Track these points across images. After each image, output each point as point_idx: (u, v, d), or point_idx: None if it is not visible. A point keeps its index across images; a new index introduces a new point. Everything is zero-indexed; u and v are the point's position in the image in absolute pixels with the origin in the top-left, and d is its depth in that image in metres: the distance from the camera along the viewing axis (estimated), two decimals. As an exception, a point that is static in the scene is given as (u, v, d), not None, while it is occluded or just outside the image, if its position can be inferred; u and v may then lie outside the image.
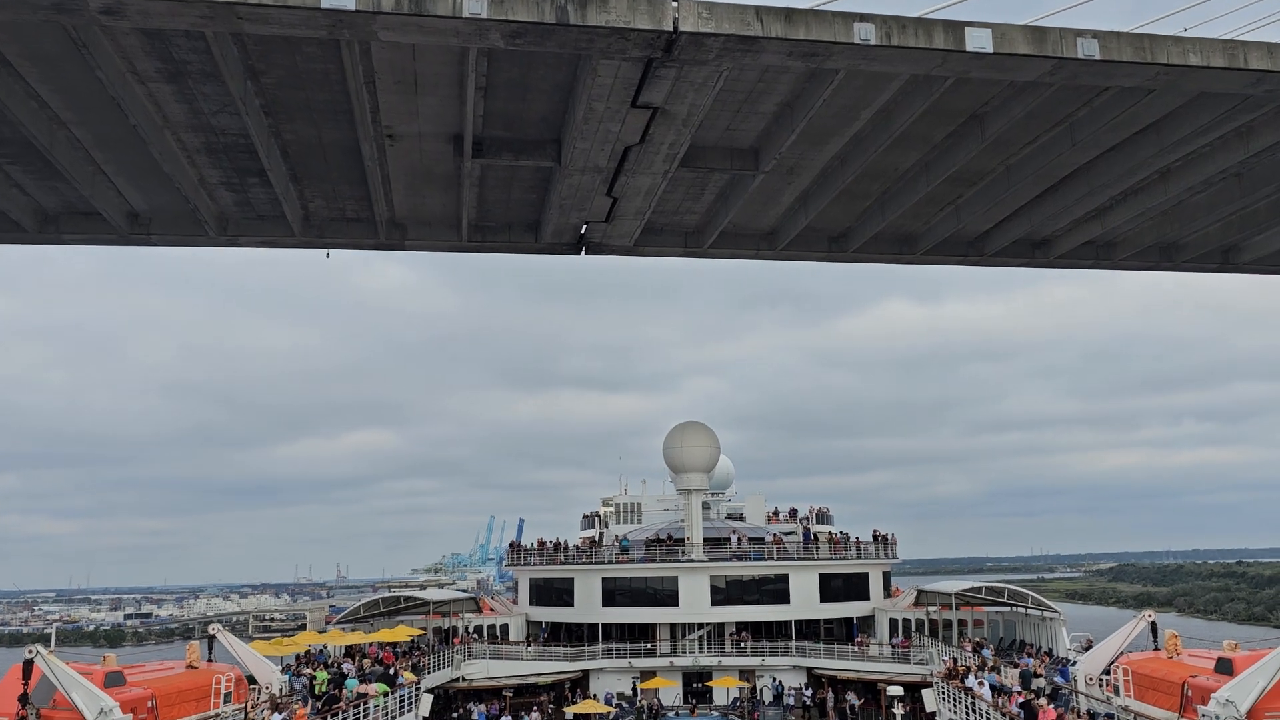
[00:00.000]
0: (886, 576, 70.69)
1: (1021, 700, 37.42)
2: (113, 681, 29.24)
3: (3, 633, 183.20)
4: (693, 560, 64.89)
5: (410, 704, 47.28)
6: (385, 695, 43.16)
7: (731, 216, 25.43)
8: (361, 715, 40.04)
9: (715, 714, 60.04)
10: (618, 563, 66.13)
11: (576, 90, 18.36)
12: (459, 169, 21.88)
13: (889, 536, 70.30)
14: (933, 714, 49.79)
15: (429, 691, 51.56)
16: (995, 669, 45.56)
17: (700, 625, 65.12)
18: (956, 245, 28.33)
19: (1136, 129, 21.50)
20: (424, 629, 62.27)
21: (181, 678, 34.02)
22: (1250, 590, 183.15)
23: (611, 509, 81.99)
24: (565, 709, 58.84)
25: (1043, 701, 36.19)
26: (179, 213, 24.22)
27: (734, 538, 67.19)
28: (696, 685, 62.92)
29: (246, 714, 34.94)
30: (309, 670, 44.51)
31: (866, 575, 67.85)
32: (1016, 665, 46.01)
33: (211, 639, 38.71)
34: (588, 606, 65.92)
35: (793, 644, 63.80)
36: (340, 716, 38.10)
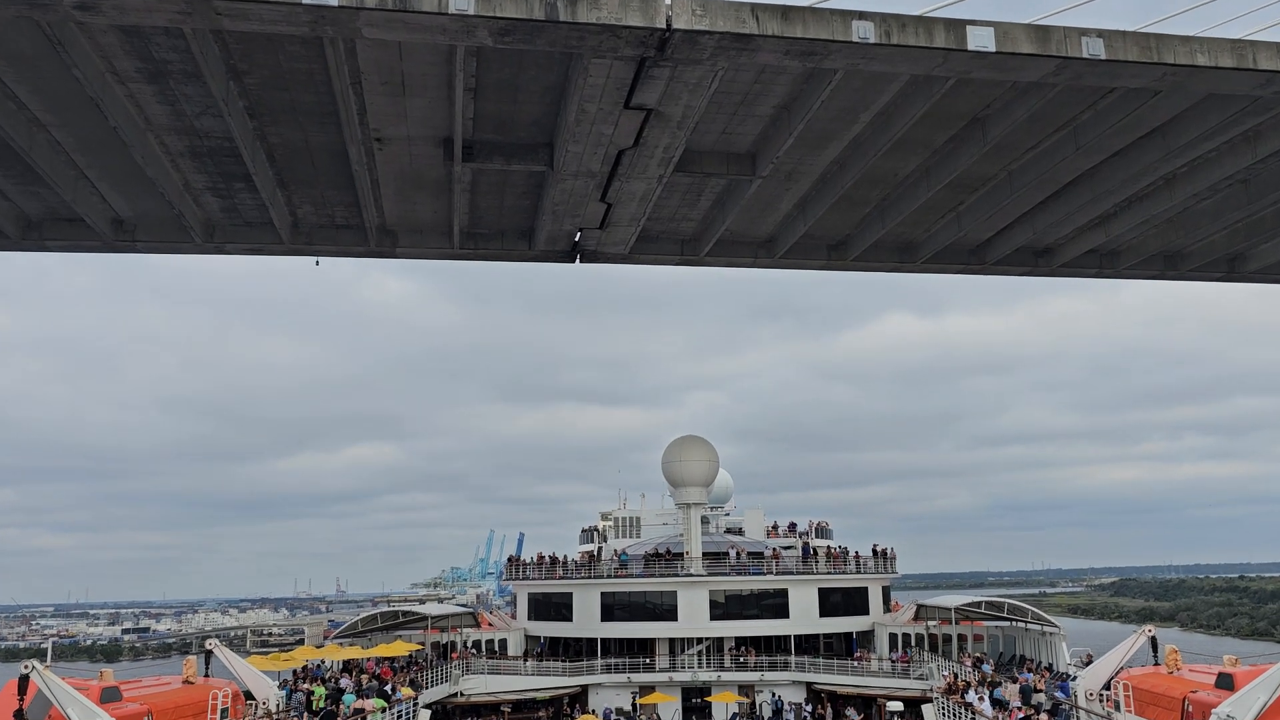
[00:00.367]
0: (886, 591, 70.43)
1: (1022, 716, 36.98)
2: (109, 697, 28.92)
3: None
4: (692, 575, 64.53)
5: (408, 720, 46.75)
6: (382, 711, 42.70)
7: (728, 223, 25.00)
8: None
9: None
10: (616, 577, 65.80)
11: (568, 91, 17.94)
12: (449, 174, 21.44)
13: (888, 551, 70.05)
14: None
15: (426, 707, 51.11)
16: (995, 684, 45.04)
17: (699, 640, 64.65)
18: (958, 253, 27.89)
19: (1142, 133, 21.07)
20: (422, 644, 61.91)
21: (178, 693, 33.67)
22: (1253, 605, 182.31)
23: (610, 523, 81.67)
24: (563, 725, 58.29)
25: (1043, 717, 35.72)
26: (164, 219, 23.79)
27: (733, 552, 66.80)
28: (696, 700, 62.42)
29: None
30: (306, 685, 44.11)
31: (866, 590, 67.54)
32: (1016, 680, 45.53)
33: (208, 654, 38.47)
34: (586, 621, 65.48)
35: (792, 659, 63.36)
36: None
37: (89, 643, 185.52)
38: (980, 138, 21.03)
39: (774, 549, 68.48)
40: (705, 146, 21.39)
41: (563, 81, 18.22)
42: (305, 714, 39.69)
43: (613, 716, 59.43)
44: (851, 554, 68.57)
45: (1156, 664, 34.77)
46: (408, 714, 47.00)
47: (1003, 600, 59.19)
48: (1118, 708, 34.60)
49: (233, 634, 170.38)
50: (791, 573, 65.83)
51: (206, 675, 37.21)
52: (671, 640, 64.84)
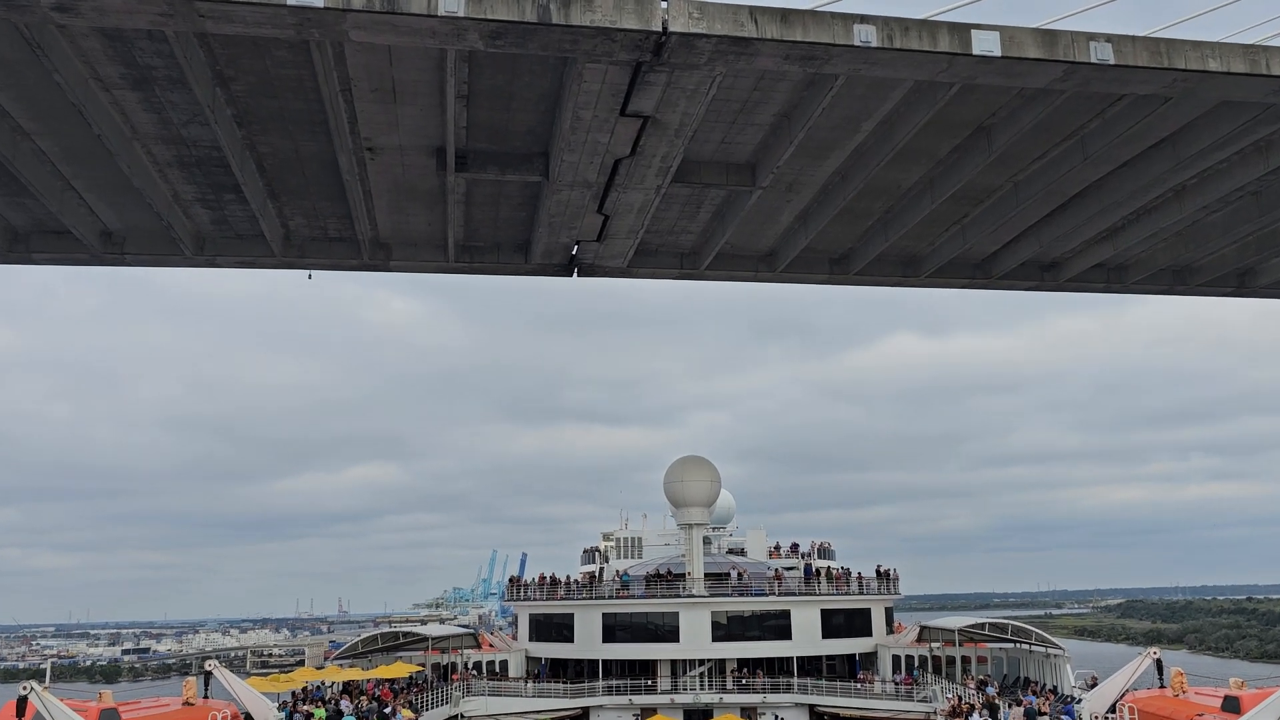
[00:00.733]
0: (889, 612, 69.79)
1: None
2: (107, 719, 28.51)
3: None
4: (694, 596, 63.92)
5: (406, 742, 46.16)
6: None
7: (729, 236, 24.55)
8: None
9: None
10: (618, 598, 65.16)
11: (563, 98, 17.52)
12: (443, 184, 21.03)
13: (891, 572, 69.50)
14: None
15: (425, 730, 50.35)
16: (995, 708, 44.35)
17: (701, 661, 63.96)
18: (963, 267, 27.40)
19: (1151, 142, 20.58)
20: (422, 665, 61.32)
21: (177, 715, 33.47)
22: (1262, 627, 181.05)
23: (612, 544, 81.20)
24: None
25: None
26: (154, 231, 23.34)
27: (734, 573, 66.17)
28: (697, 723, 61.56)
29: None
30: (306, 707, 43.81)
31: (869, 611, 66.97)
32: (1020, 703, 44.86)
33: (208, 675, 37.89)
34: (588, 642, 64.81)
35: (795, 680, 62.71)
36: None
37: (88, 663, 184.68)
38: (985, 147, 20.57)
39: (776, 570, 67.91)
40: (704, 156, 20.96)
41: (557, 88, 17.80)
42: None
43: (614, 739, 58.68)
44: (854, 575, 67.96)
45: (1162, 686, 34.20)
46: (407, 736, 46.34)
47: (1007, 622, 58.54)
48: (1123, 731, 33.90)
49: (233, 654, 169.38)
50: (794, 594, 65.19)
51: (206, 696, 36.82)
52: (673, 661, 64.15)
